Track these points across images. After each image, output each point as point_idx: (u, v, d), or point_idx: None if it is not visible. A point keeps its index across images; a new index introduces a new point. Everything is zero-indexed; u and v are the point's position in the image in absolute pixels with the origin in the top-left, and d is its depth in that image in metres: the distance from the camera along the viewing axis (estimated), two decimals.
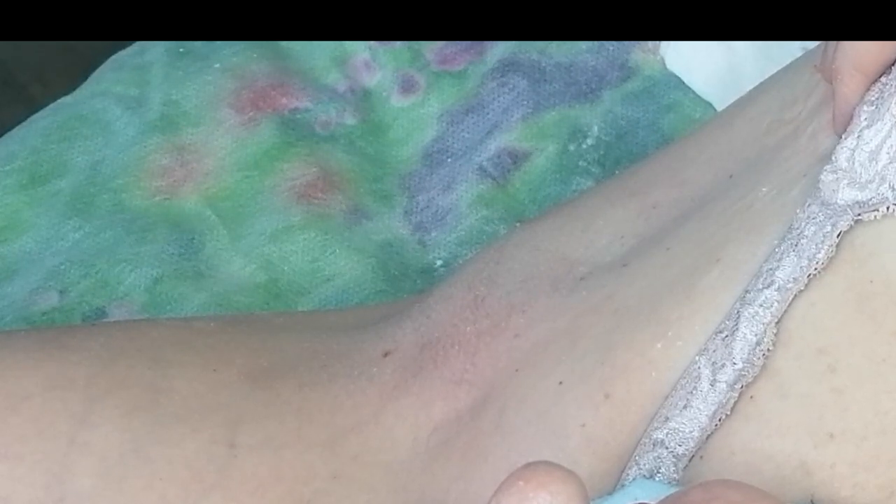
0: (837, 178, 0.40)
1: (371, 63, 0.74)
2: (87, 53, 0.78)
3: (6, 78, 1.01)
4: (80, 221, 0.66)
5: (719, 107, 0.67)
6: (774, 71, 0.50)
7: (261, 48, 0.73)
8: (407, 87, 0.72)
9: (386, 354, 0.49)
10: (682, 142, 0.52)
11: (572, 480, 0.28)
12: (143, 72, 0.73)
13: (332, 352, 0.50)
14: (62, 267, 0.64)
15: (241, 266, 0.65)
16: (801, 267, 0.39)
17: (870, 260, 0.38)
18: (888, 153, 0.39)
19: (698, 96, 0.69)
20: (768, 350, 0.39)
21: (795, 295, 0.39)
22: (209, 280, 0.64)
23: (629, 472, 0.41)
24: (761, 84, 0.50)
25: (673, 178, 0.49)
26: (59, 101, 0.73)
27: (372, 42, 0.73)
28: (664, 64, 0.70)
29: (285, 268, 0.64)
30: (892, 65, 0.41)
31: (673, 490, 0.32)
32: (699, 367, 0.40)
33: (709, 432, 0.39)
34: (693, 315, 0.41)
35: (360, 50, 0.74)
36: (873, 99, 0.41)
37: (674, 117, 0.68)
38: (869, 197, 0.39)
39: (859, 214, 0.39)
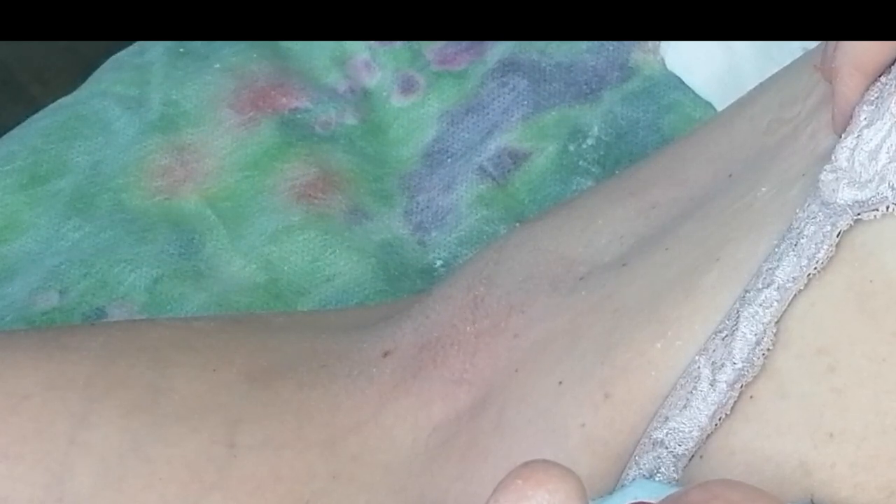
0: (837, 178, 0.40)
1: (371, 63, 0.74)
2: (87, 53, 0.78)
3: (6, 78, 1.01)
4: (80, 221, 0.66)
5: (719, 107, 0.67)
6: (774, 71, 0.50)
7: (261, 48, 0.73)
8: (407, 87, 0.72)
9: (385, 354, 0.49)
10: (682, 142, 0.52)
11: (570, 478, 0.28)
12: (143, 72, 0.73)
13: (331, 352, 0.50)
14: (62, 267, 0.64)
15: (241, 266, 0.65)
16: (800, 266, 0.39)
17: (870, 259, 0.38)
18: (888, 152, 0.39)
19: (698, 96, 0.69)
20: (768, 350, 0.39)
21: (795, 294, 0.39)
22: (209, 280, 0.64)
23: (629, 471, 0.41)
24: (761, 84, 0.50)
25: (672, 178, 0.49)
26: (59, 101, 0.73)
27: (372, 42, 0.73)
28: (664, 64, 0.70)
29: (285, 268, 0.64)
30: (892, 64, 0.41)
31: (673, 490, 0.32)
32: (699, 367, 0.40)
33: (708, 432, 0.39)
34: (693, 315, 0.41)
35: (360, 50, 0.74)
36: (873, 98, 0.41)
37: (674, 117, 0.68)
38: (869, 196, 0.39)
39: (859, 214, 0.39)
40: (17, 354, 0.47)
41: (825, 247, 0.39)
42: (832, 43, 0.43)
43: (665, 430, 0.40)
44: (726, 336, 0.40)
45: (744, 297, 0.40)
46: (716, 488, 0.30)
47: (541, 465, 0.29)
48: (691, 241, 0.44)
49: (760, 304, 0.39)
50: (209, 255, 0.65)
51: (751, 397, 0.39)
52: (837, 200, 0.39)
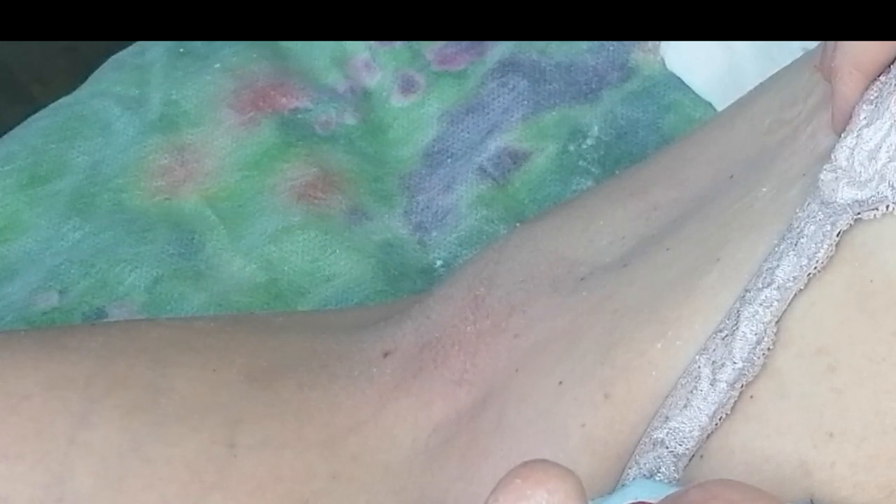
0: (837, 177, 0.40)
1: (371, 63, 0.74)
2: (87, 53, 0.79)
3: (6, 78, 1.01)
4: (80, 221, 0.66)
5: (719, 107, 0.67)
6: (774, 71, 0.50)
7: (261, 48, 0.73)
8: (407, 87, 0.72)
9: (386, 354, 0.49)
10: (682, 142, 0.52)
11: (570, 478, 0.28)
12: (143, 72, 0.73)
13: (331, 352, 0.50)
14: (62, 267, 0.64)
15: (241, 266, 0.65)
16: (800, 266, 0.39)
17: (870, 259, 0.38)
18: (887, 152, 0.39)
19: (698, 96, 0.69)
20: (768, 349, 0.39)
21: (795, 294, 0.39)
22: (209, 280, 0.64)
23: (629, 471, 0.41)
24: (761, 84, 0.50)
25: (673, 178, 0.49)
26: (59, 101, 0.73)
27: (372, 42, 0.73)
28: (664, 64, 0.70)
29: (285, 268, 0.64)
30: (891, 64, 0.41)
31: (673, 490, 0.32)
32: (699, 367, 0.40)
33: (709, 432, 0.39)
34: (693, 314, 0.41)
35: (360, 50, 0.74)
36: (872, 98, 0.41)
37: (674, 117, 0.68)
38: (868, 196, 0.39)
39: (859, 213, 0.39)
40: (17, 354, 0.47)
41: (825, 246, 0.39)
42: (832, 43, 0.43)
43: (665, 430, 0.40)
44: (726, 336, 0.40)
45: (744, 296, 0.40)
46: (715, 488, 0.30)
47: (540, 464, 0.29)
48: (692, 241, 0.44)
49: (761, 304, 0.39)
50: (209, 255, 0.65)
51: (751, 397, 0.39)
52: (837, 200, 0.39)
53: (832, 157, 0.40)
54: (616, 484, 0.41)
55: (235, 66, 0.72)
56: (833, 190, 0.40)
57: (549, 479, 0.28)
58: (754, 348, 0.39)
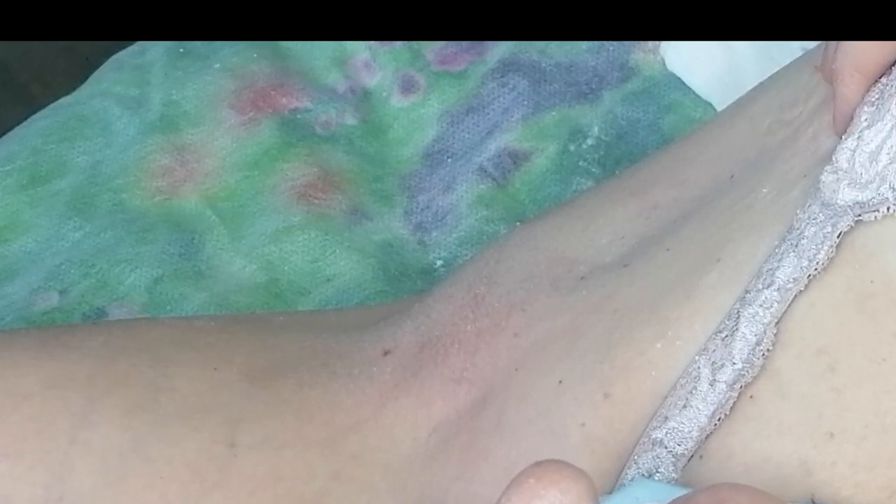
0: (838, 179, 0.40)
1: (371, 63, 0.74)
2: (87, 53, 0.79)
3: (6, 78, 1.01)
4: (81, 221, 0.66)
5: (719, 107, 0.67)
6: (774, 71, 0.50)
7: (261, 48, 0.73)
8: (407, 87, 0.72)
9: (386, 353, 0.49)
10: (683, 142, 0.52)
11: (583, 479, 0.29)
12: (143, 72, 0.73)
13: (332, 351, 0.50)
14: (62, 267, 0.64)
15: (242, 266, 0.65)
16: (801, 267, 0.39)
17: (870, 260, 0.38)
18: (888, 153, 0.39)
19: (698, 96, 0.69)
20: (768, 350, 0.39)
21: (795, 295, 0.39)
22: (209, 280, 0.64)
23: (628, 471, 0.41)
24: (761, 84, 0.50)
25: (673, 179, 0.49)
26: (59, 101, 0.73)
27: (372, 42, 0.73)
28: (664, 64, 0.71)
29: (285, 268, 0.64)
30: (893, 65, 0.41)
31: (675, 489, 0.32)
32: (699, 367, 0.40)
33: (708, 432, 0.39)
34: (693, 315, 0.41)
35: (360, 50, 0.74)
36: (873, 100, 0.41)
37: (674, 117, 0.68)
38: (869, 197, 0.39)
39: (860, 215, 0.39)
40: (18, 353, 0.47)
41: (825, 248, 0.39)
42: (832, 44, 0.43)
43: (664, 430, 0.40)
44: (726, 336, 0.40)
45: (744, 297, 0.40)
46: (723, 492, 0.30)
47: (553, 464, 0.29)
48: (692, 241, 0.44)
49: (761, 305, 0.39)
50: (209, 255, 0.65)
51: (751, 397, 0.39)
52: (838, 201, 0.39)
53: (833, 158, 0.40)
54: (615, 483, 0.41)
55: (235, 66, 0.72)
56: (834, 191, 0.40)
57: (562, 480, 0.29)
58: (754, 349, 0.39)
